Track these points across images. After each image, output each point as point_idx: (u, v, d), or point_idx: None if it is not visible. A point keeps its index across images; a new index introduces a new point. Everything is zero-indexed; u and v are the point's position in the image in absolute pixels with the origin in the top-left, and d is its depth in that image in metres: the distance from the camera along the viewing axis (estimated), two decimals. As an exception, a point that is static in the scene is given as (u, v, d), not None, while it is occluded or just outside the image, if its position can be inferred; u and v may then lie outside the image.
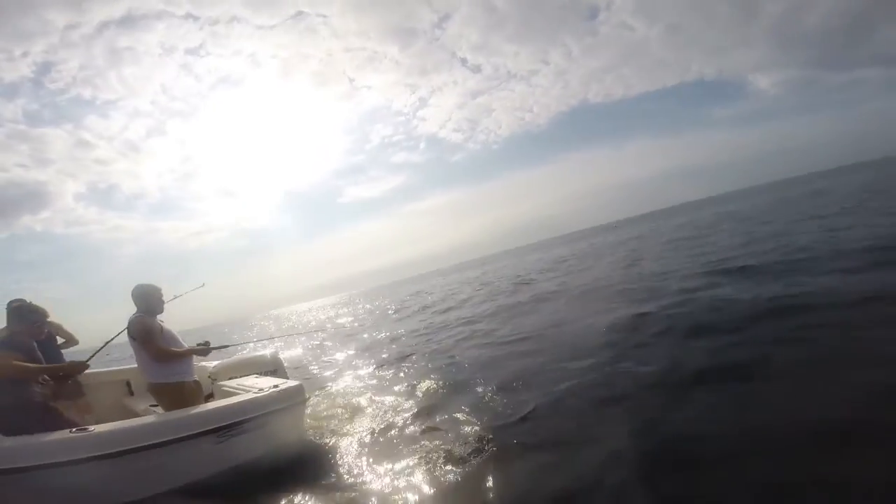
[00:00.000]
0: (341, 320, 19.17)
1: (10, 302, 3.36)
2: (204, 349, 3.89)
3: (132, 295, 3.65)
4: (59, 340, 4.04)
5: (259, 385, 3.99)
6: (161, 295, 3.75)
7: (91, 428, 2.98)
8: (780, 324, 4.41)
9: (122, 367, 4.68)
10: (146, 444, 2.99)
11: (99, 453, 2.83)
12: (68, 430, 2.93)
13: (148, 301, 3.67)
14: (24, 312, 3.29)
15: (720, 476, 2.48)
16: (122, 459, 2.90)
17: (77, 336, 4.15)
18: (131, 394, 4.51)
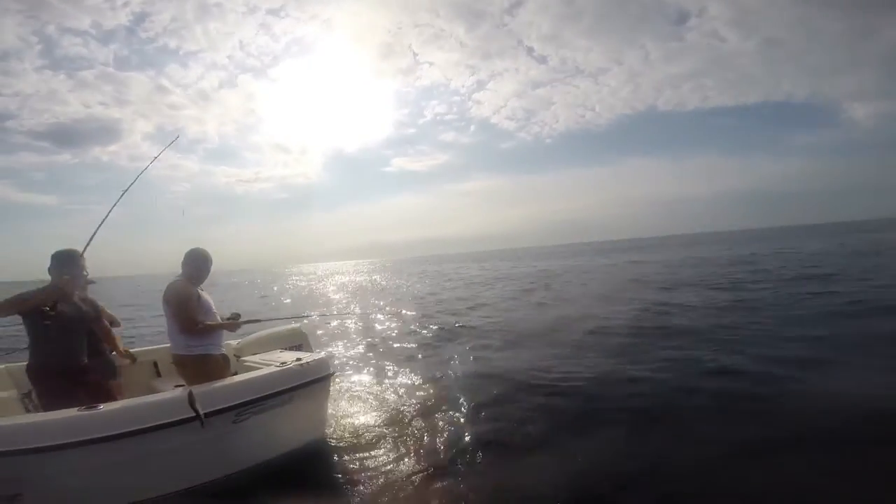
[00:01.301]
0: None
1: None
2: (235, 323, 3.55)
3: (185, 256, 3.37)
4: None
5: (282, 359, 3.70)
6: (211, 265, 3.45)
7: (100, 406, 2.72)
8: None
9: (149, 348, 4.51)
10: (148, 425, 2.69)
11: (101, 435, 2.55)
12: (76, 409, 2.68)
13: (197, 267, 3.38)
14: (58, 261, 3.06)
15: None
16: (127, 443, 2.62)
17: (119, 318, 4.04)
18: (158, 375, 4.32)
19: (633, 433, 3.32)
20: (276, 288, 25.80)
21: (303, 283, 28.75)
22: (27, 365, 3.05)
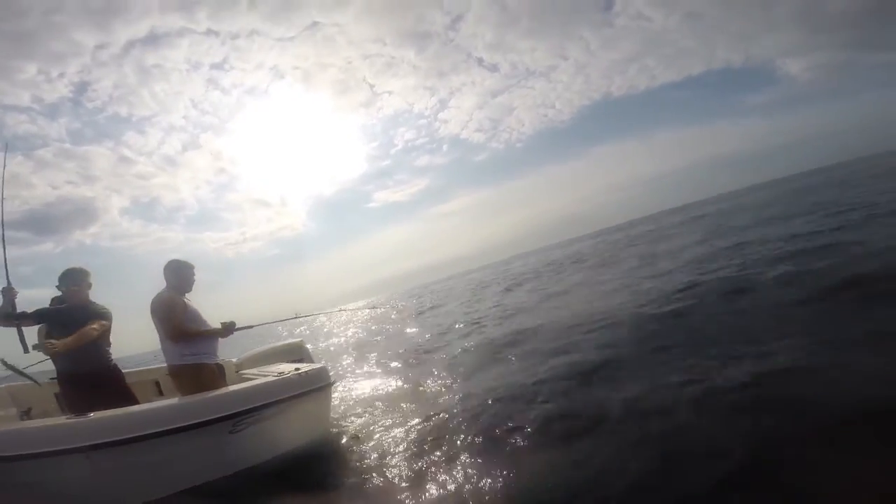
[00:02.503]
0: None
1: None
2: (226, 329, 3.46)
3: (164, 269, 3.39)
4: None
5: (280, 369, 3.61)
6: (193, 272, 3.47)
7: (91, 414, 2.63)
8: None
9: (151, 367, 4.45)
10: (137, 434, 2.59)
11: (88, 444, 2.45)
12: (64, 417, 2.60)
13: (180, 275, 3.39)
14: (63, 277, 3.29)
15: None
16: (120, 451, 2.52)
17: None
18: (160, 394, 4.23)
19: (645, 434, 3.12)
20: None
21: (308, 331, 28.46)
22: (56, 373, 3.19)
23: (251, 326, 3.74)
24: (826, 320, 3.88)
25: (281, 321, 4.36)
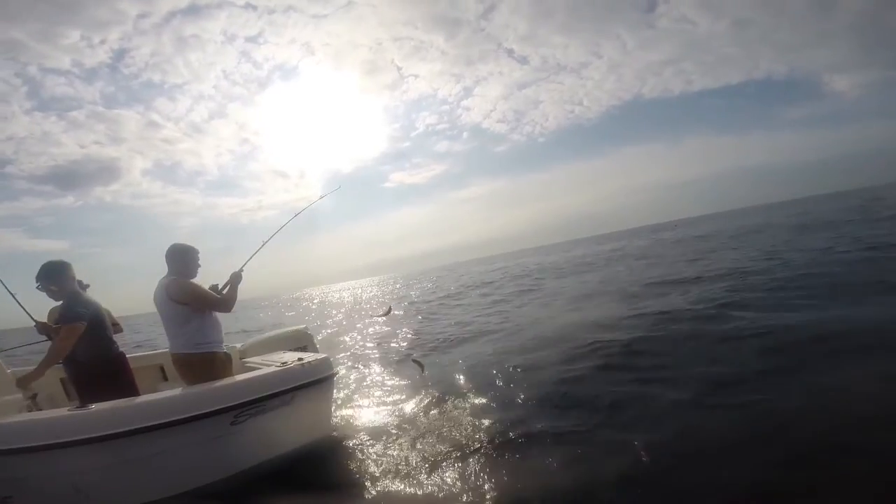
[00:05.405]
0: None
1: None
2: (236, 278, 3.42)
3: (167, 254, 3.27)
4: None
5: (283, 359, 3.58)
6: (198, 256, 3.36)
7: (93, 406, 2.62)
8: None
9: (156, 352, 4.44)
10: (140, 426, 2.56)
11: (92, 436, 2.44)
12: (66, 409, 2.59)
13: (184, 261, 3.29)
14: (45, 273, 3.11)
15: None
16: (118, 444, 2.51)
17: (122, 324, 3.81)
18: (165, 379, 4.24)
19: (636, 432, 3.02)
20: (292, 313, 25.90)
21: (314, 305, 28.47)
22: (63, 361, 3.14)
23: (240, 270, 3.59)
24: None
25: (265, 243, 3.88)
